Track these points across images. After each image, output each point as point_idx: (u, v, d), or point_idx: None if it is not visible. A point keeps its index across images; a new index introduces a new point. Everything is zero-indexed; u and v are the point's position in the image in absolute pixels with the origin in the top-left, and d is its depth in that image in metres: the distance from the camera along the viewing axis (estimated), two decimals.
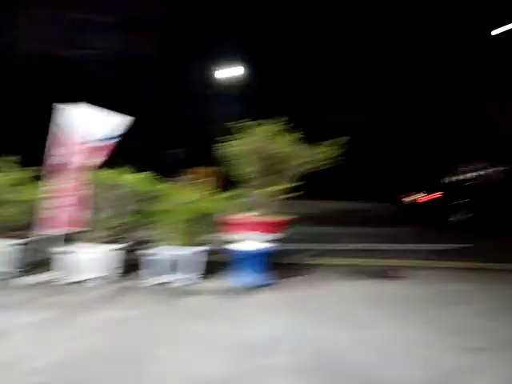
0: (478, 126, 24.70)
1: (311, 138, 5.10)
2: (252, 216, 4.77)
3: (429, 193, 14.41)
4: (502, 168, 23.50)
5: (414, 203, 14.76)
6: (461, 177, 25.19)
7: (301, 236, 7.98)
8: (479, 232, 11.23)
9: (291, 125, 4.92)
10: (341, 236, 9.17)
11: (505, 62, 24.08)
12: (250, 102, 21.24)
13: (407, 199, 15.28)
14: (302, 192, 4.91)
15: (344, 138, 4.63)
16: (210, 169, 11.73)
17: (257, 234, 4.57)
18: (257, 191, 4.96)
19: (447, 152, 22.34)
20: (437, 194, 14.12)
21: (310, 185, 4.75)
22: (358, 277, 5.38)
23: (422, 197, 14.50)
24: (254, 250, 4.65)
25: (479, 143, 23.55)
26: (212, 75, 24.22)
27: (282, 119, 4.83)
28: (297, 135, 4.82)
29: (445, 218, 13.19)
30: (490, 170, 25.83)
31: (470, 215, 13.37)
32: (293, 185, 4.91)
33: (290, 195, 4.91)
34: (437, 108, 25.87)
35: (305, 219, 10.72)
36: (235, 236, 4.74)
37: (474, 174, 25.37)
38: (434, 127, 24.81)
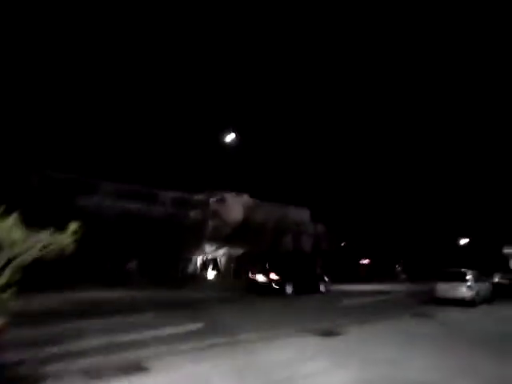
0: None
1: (42, 221, 4.46)
2: None
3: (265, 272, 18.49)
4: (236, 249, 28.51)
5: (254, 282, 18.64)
6: (209, 255, 28.88)
7: (29, 340, 6.51)
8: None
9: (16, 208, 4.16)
10: (83, 332, 8.03)
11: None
12: None
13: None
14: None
15: (76, 224, 4.25)
16: None
17: None
18: None
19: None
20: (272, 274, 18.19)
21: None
22: None
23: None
24: None
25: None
26: None
27: None
28: (18, 218, 4.07)
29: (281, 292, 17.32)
30: (225, 250, 30.42)
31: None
32: (15, 278, 4.02)
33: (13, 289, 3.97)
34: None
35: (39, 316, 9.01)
36: None
37: (219, 252, 29.61)
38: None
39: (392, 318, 10.95)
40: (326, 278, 21.08)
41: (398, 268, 42.22)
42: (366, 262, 40.58)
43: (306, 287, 18.88)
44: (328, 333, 8.08)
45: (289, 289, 17.88)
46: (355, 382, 4.86)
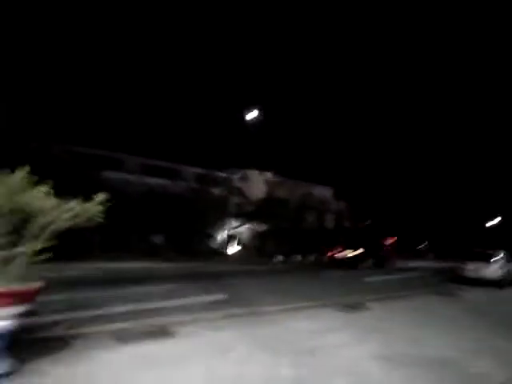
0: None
1: (73, 192, 4.60)
2: None
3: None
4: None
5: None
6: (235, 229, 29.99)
7: (63, 304, 6.88)
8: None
9: (44, 177, 4.28)
10: (113, 299, 8.41)
11: None
12: None
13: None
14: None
15: (103, 195, 4.34)
16: None
17: None
18: None
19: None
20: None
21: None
22: (117, 347, 4.81)
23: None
24: None
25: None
26: None
27: (26, 169, 4.11)
28: (49, 188, 4.20)
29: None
30: (249, 226, 30.75)
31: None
32: (49, 243, 4.20)
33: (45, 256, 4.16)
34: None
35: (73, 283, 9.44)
36: None
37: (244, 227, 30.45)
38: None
39: (416, 295, 10.87)
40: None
41: (425, 246, 41.50)
42: (391, 240, 40.10)
43: (378, 262, 22.20)
44: (353, 307, 8.13)
45: (366, 263, 21.11)
46: (374, 357, 4.88)
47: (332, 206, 39.04)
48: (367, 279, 14.94)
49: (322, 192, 37.95)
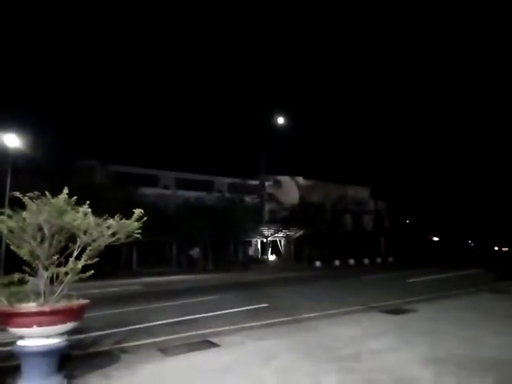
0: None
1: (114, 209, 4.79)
2: (32, 306, 3.91)
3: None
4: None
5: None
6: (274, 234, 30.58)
7: (108, 319, 7.11)
8: None
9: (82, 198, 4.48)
10: (156, 312, 8.61)
11: None
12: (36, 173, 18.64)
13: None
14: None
15: (140, 211, 4.45)
16: None
17: (40, 328, 3.73)
18: (43, 273, 4.16)
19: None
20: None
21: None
22: (162, 359, 4.87)
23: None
24: (37, 348, 3.76)
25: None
26: None
27: (65, 191, 4.30)
28: (89, 208, 4.38)
29: None
30: (286, 232, 30.50)
31: None
32: (92, 261, 4.36)
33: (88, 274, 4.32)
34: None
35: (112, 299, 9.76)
36: (11, 332, 3.77)
37: (280, 234, 30.63)
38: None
39: (467, 294, 10.33)
40: None
41: (471, 244, 39.58)
42: (435, 238, 38.64)
43: None
44: (398, 309, 7.85)
45: None
46: (424, 360, 4.65)
47: (369, 206, 38.12)
48: (410, 280, 14.40)
49: (358, 193, 37.17)
